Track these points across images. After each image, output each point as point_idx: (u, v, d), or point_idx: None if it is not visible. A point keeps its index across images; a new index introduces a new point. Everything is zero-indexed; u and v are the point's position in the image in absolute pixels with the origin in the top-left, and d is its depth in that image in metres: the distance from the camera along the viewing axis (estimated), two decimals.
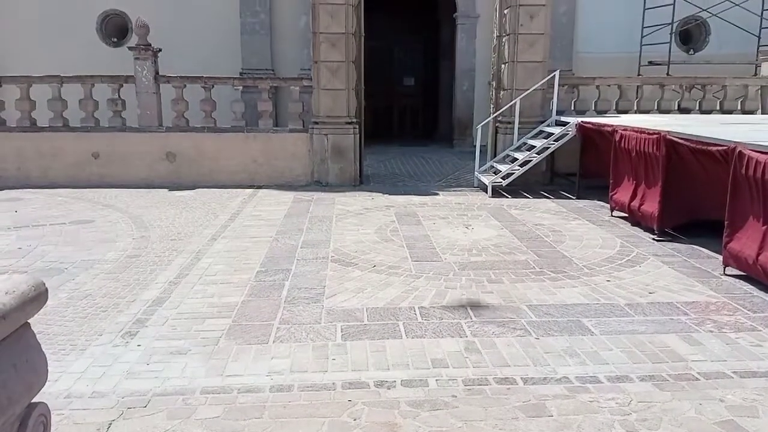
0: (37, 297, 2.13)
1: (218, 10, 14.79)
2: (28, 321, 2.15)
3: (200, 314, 4.70)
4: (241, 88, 11.10)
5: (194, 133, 10.64)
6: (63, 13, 14.67)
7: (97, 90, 10.76)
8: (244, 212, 8.49)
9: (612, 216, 8.16)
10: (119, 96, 10.77)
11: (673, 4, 13.76)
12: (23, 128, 10.56)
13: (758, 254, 5.16)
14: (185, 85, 10.80)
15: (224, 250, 6.52)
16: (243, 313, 4.71)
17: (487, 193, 9.77)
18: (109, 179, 10.44)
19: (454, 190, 10.23)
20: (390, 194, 9.82)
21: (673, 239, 6.88)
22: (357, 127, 10.73)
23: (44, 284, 2.19)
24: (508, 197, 9.58)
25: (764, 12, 14.11)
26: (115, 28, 15.17)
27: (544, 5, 10.28)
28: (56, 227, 7.50)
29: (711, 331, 4.37)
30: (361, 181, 10.84)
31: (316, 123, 10.60)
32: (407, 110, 19.56)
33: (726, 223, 5.65)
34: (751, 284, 5.30)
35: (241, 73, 14.28)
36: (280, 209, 8.67)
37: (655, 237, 6.96)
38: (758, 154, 5.26)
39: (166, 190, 10.12)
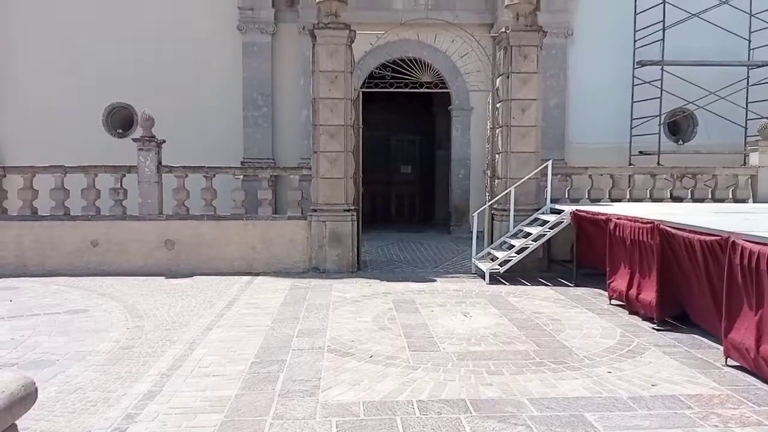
0: (26, 397, 2.10)
1: (222, 104, 15.32)
2: (15, 423, 2.10)
3: (192, 409, 4.58)
4: (241, 177, 11.33)
5: (194, 220, 10.76)
6: (69, 105, 15.18)
7: (99, 179, 10.97)
8: (241, 300, 8.43)
9: (611, 304, 8.12)
10: (121, 185, 10.97)
11: (660, 98, 14.34)
12: (24, 217, 10.68)
13: (758, 346, 5.10)
14: (187, 175, 11.03)
15: (219, 340, 6.43)
16: (236, 408, 4.58)
17: (484, 279, 9.75)
18: (106, 267, 10.44)
19: (451, 277, 10.22)
20: (388, 281, 9.80)
21: (673, 328, 6.81)
22: (355, 214, 10.87)
23: (34, 384, 2.16)
24: (506, 284, 9.56)
25: (749, 104, 14.69)
26: (121, 120, 15.67)
27: (535, 99, 10.70)
28: (50, 317, 7.42)
29: (716, 426, 4.25)
30: (358, 268, 10.85)
31: (315, 210, 10.75)
32: (404, 197, 19.90)
33: (724, 313, 5.62)
34: (754, 376, 5.21)
35: (242, 163, 14.62)
36: (277, 296, 8.63)
37: (654, 326, 6.90)
38: (751, 244, 5.32)
39: (163, 277, 10.10)
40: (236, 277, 10.10)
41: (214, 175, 11.11)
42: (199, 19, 15.27)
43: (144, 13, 15.24)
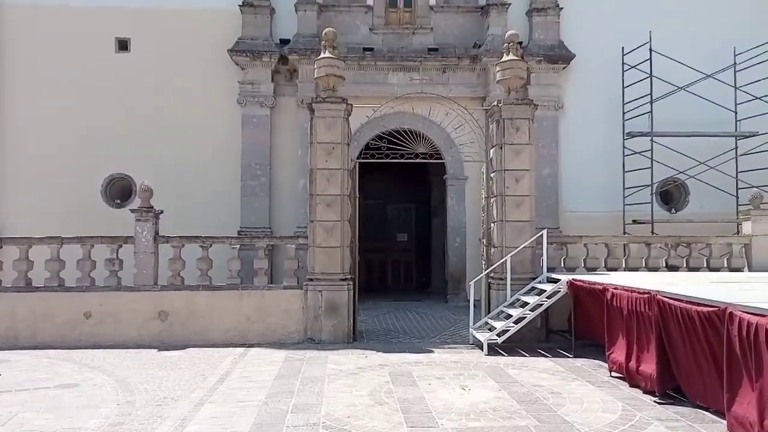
0: None
1: (221, 174, 15.54)
2: None
3: None
4: (238, 246, 11.35)
5: (188, 291, 10.69)
6: (69, 176, 15.38)
7: (95, 250, 10.97)
8: (234, 373, 8.27)
9: (611, 376, 7.98)
10: (117, 256, 10.96)
11: (651, 168, 14.60)
12: (18, 288, 10.60)
13: (761, 420, 5.00)
14: (183, 245, 11.05)
15: (211, 416, 6.26)
16: None
17: (482, 350, 9.62)
18: (99, 339, 10.28)
19: (449, 348, 10.08)
20: (384, 352, 9.65)
21: (675, 402, 6.68)
22: (351, 283, 10.83)
23: None
24: (504, 355, 9.42)
25: (739, 174, 14.95)
26: (120, 191, 15.82)
27: (528, 170, 10.89)
28: (40, 392, 7.25)
29: None
30: (354, 338, 10.71)
31: (311, 279, 10.71)
32: (401, 264, 19.89)
33: (725, 387, 5.54)
34: None
35: (239, 232, 14.68)
36: (271, 369, 8.47)
37: (656, 399, 6.77)
38: (749, 315, 5.30)
39: (155, 350, 9.93)
40: (230, 349, 9.94)
41: (211, 245, 11.13)
42: (200, 92, 15.70)
43: (145, 86, 15.66)
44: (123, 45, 15.90)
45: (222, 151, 15.60)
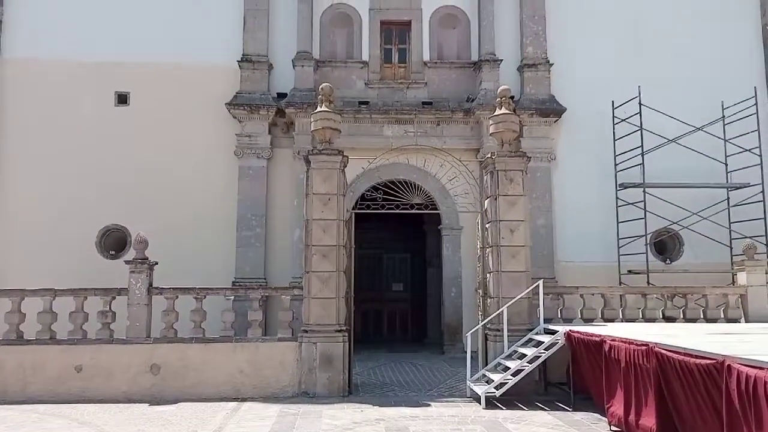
0: None
1: (216, 225, 15.57)
2: None
3: None
4: (232, 298, 11.27)
5: (181, 343, 10.54)
6: (64, 227, 15.37)
7: (88, 302, 10.86)
8: (226, 429, 8.08)
9: (611, 430, 7.85)
10: (110, 308, 10.84)
11: (645, 218, 14.72)
12: (8, 341, 10.43)
13: None
14: (177, 296, 10.96)
15: None
16: None
17: (480, 404, 9.46)
18: (90, 393, 10.08)
19: (446, 401, 9.91)
20: (380, 406, 9.48)
21: None
22: (346, 335, 10.71)
23: None
24: (502, 409, 9.26)
25: (732, 224, 15.07)
26: (115, 242, 15.80)
27: (523, 221, 10.97)
28: None
29: None
30: (350, 391, 10.53)
31: (306, 331, 10.60)
32: (396, 314, 19.76)
33: None
34: None
35: (233, 282, 14.62)
36: (265, 424, 8.29)
37: None
38: (747, 368, 5.26)
39: (146, 404, 9.73)
40: (223, 403, 9.74)
41: (205, 296, 11.04)
42: (198, 144, 15.91)
43: (143, 138, 15.85)
44: (122, 99, 16.16)
45: (218, 202, 15.69)
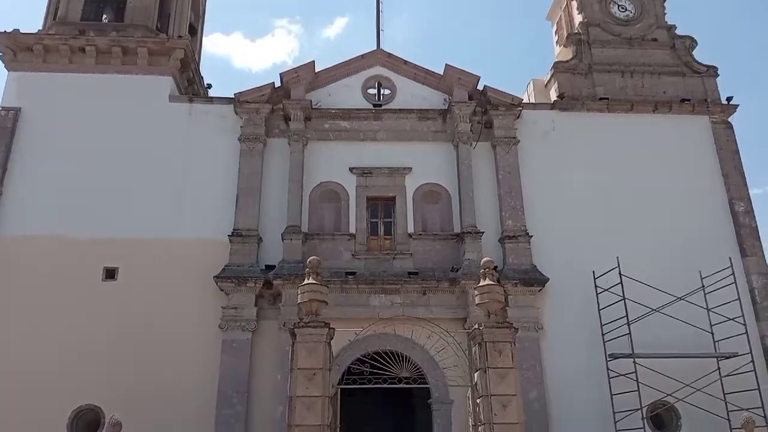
0: None
1: (196, 402, 14.85)
2: None
3: None
4: None
5: None
6: (34, 408, 14.51)
7: None
8: None
9: None
10: None
11: (638, 390, 14.27)
12: None
13: None
14: None
15: None
16: None
17: None
18: None
19: None
20: None
21: None
22: None
23: None
24: None
25: (726, 395, 14.65)
26: (86, 425, 14.76)
27: (514, 395, 10.64)
28: None
29: None
30: None
31: None
32: None
33: None
34: None
35: None
36: None
37: None
38: None
39: None
40: None
41: None
42: (182, 319, 15.64)
43: (125, 314, 15.54)
44: (110, 274, 16.12)
45: (200, 378, 15.09)
